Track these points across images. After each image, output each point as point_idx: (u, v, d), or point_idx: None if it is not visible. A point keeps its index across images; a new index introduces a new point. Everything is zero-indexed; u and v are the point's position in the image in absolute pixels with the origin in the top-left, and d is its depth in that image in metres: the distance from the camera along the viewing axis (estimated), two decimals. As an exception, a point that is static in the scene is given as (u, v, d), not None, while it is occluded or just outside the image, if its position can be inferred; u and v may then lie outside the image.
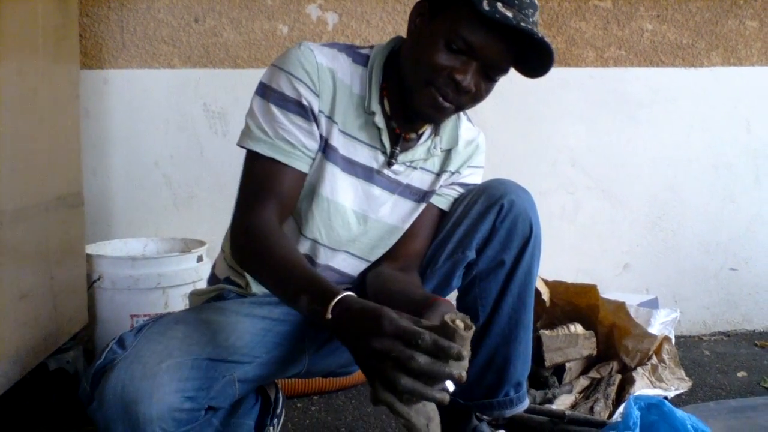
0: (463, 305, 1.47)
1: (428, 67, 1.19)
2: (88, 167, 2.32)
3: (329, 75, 1.25)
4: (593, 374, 2.09)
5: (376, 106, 1.29)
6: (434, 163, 1.40)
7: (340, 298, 1.01)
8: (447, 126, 1.39)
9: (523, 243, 1.39)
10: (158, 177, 2.44)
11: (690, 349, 2.59)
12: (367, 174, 1.33)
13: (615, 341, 2.14)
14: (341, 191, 1.31)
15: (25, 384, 1.74)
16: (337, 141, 1.28)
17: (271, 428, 1.49)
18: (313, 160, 1.28)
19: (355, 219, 1.35)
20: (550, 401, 1.96)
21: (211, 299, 1.42)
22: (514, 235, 1.38)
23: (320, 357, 1.41)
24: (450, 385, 0.99)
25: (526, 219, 1.38)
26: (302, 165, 1.25)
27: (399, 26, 2.50)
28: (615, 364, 2.11)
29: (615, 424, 1.47)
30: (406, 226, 1.41)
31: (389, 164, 1.34)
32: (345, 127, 1.29)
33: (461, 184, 1.45)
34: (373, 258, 1.43)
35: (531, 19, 1.16)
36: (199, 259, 2.18)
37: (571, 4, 2.60)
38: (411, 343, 0.91)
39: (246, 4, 2.42)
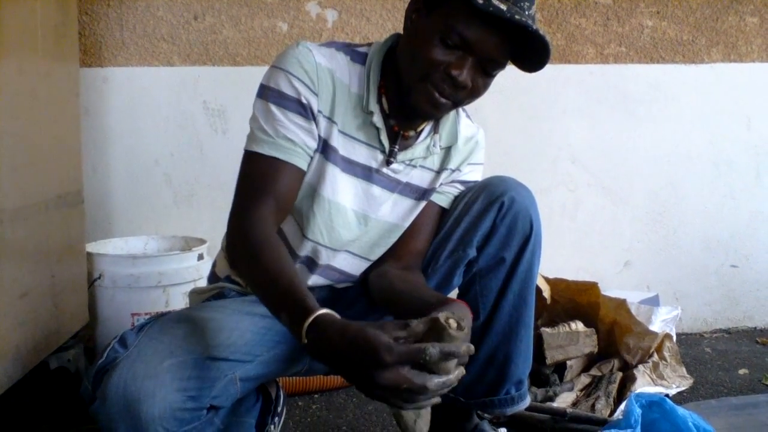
0: (463, 303, 1.47)
1: (424, 62, 1.19)
2: (88, 165, 2.32)
3: (328, 75, 1.25)
4: (594, 372, 2.09)
5: (374, 106, 1.28)
6: (434, 161, 1.40)
7: (311, 322, 0.97)
8: (446, 123, 1.39)
9: (523, 240, 1.38)
10: (158, 175, 2.44)
11: (691, 347, 2.59)
12: (366, 173, 1.33)
13: (616, 339, 2.14)
14: (342, 191, 1.31)
15: (26, 383, 1.74)
16: (337, 141, 1.28)
17: (272, 427, 1.49)
18: (312, 158, 1.28)
19: (356, 219, 1.35)
20: (552, 399, 1.96)
21: (211, 297, 1.41)
22: (514, 233, 1.38)
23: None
24: None
25: (526, 216, 1.38)
26: (302, 162, 1.25)
27: (398, 23, 2.49)
28: (616, 362, 2.11)
29: (616, 422, 1.47)
30: (407, 224, 1.41)
31: (388, 163, 1.33)
32: (344, 128, 1.29)
33: (461, 182, 1.45)
34: (374, 257, 1.42)
35: (527, 12, 1.15)
36: (200, 257, 2.18)
37: (571, 0, 2.60)
38: (417, 363, 0.91)
39: (245, 2, 2.42)
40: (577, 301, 2.23)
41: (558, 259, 2.56)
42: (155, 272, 2.08)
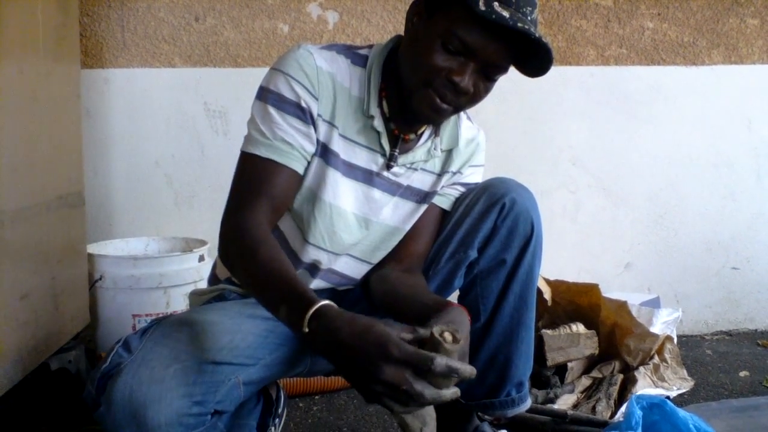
0: (464, 304, 1.47)
1: (425, 68, 1.18)
2: (89, 167, 2.32)
3: (329, 79, 1.25)
4: (595, 374, 2.09)
5: (374, 110, 1.28)
6: (435, 164, 1.40)
7: (315, 311, 0.97)
8: (447, 126, 1.39)
9: (524, 242, 1.38)
10: (159, 176, 2.44)
11: (692, 349, 2.59)
12: (366, 177, 1.33)
13: (617, 341, 2.14)
14: (343, 195, 1.31)
15: (26, 384, 1.74)
16: (338, 145, 1.28)
17: (273, 428, 1.49)
18: (309, 162, 1.27)
19: (357, 222, 1.35)
20: (552, 401, 1.96)
21: (212, 299, 1.41)
22: (515, 234, 1.38)
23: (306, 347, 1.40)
24: None
25: (527, 218, 1.38)
26: (298, 166, 1.24)
27: (399, 25, 2.49)
28: (617, 364, 2.10)
29: (617, 424, 1.47)
30: (408, 227, 1.41)
31: (389, 167, 1.33)
32: (345, 131, 1.28)
33: (463, 184, 1.45)
34: (375, 260, 1.42)
35: (529, 18, 1.15)
36: (201, 258, 2.18)
37: (572, 2, 2.60)
38: (421, 370, 0.91)
39: (246, 3, 2.42)
40: (577, 303, 2.23)
41: (559, 261, 2.56)
42: (156, 273, 2.08)
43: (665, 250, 2.76)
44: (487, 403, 1.48)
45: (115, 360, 1.09)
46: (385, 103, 1.29)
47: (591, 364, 2.14)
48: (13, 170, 1.57)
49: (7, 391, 1.55)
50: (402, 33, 1.30)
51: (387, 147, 1.31)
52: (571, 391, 2.02)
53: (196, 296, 1.47)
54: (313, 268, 1.37)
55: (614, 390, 1.98)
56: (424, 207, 1.41)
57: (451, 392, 0.94)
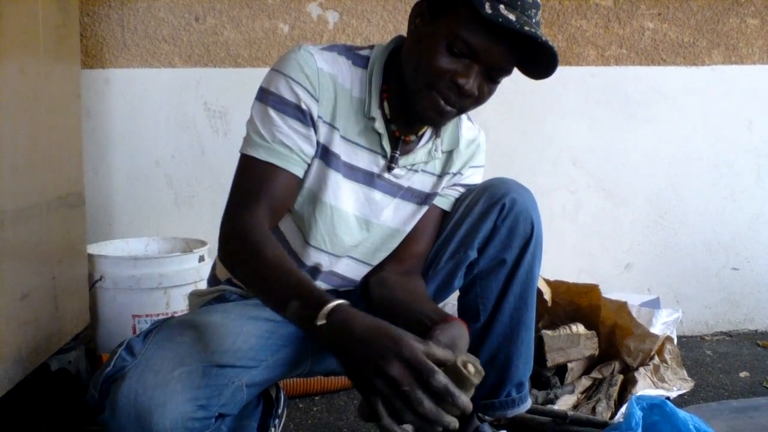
0: (464, 304, 1.47)
1: (430, 70, 1.17)
2: (90, 167, 2.32)
3: (330, 81, 1.24)
4: (595, 374, 2.09)
5: (376, 111, 1.27)
6: (435, 165, 1.40)
7: (335, 306, 0.98)
8: (447, 127, 1.38)
9: (524, 242, 1.38)
10: (159, 176, 2.44)
11: (692, 349, 2.59)
12: (367, 179, 1.32)
13: (617, 341, 2.14)
14: (343, 197, 1.30)
15: (26, 384, 1.74)
16: (339, 147, 1.27)
17: (273, 429, 1.49)
18: (309, 165, 1.27)
19: (358, 224, 1.34)
20: (552, 401, 1.96)
21: (212, 300, 1.41)
22: (515, 234, 1.38)
23: (323, 357, 1.40)
24: None
25: (527, 218, 1.38)
26: (298, 169, 1.24)
27: (400, 25, 2.49)
28: (617, 365, 2.10)
29: (617, 425, 1.46)
30: (408, 228, 1.40)
31: (390, 168, 1.33)
32: (346, 133, 1.28)
33: (463, 185, 1.45)
34: (376, 261, 1.42)
35: (534, 20, 1.15)
36: (201, 258, 2.18)
37: (572, 2, 2.60)
38: (422, 379, 0.89)
39: (246, 3, 2.42)
40: (577, 304, 2.22)
41: (559, 261, 2.56)
42: (156, 274, 2.08)
43: (665, 251, 2.76)
44: (487, 403, 1.47)
45: (118, 363, 1.09)
46: (386, 105, 1.29)
47: (591, 364, 2.14)
48: (14, 170, 1.57)
49: (7, 391, 1.55)
50: (402, 33, 1.30)
51: (388, 148, 1.31)
52: (571, 392, 2.02)
53: (196, 297, 1.47)
54: (315, 271, 1.36)
55: (614, 391, 1.98)
56: (425, 208, 1.41)
57: (450, 419, 0.91)
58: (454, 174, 1.42)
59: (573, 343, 2.07)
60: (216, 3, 2.41)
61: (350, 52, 1.29)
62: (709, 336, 2.78)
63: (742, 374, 2.31)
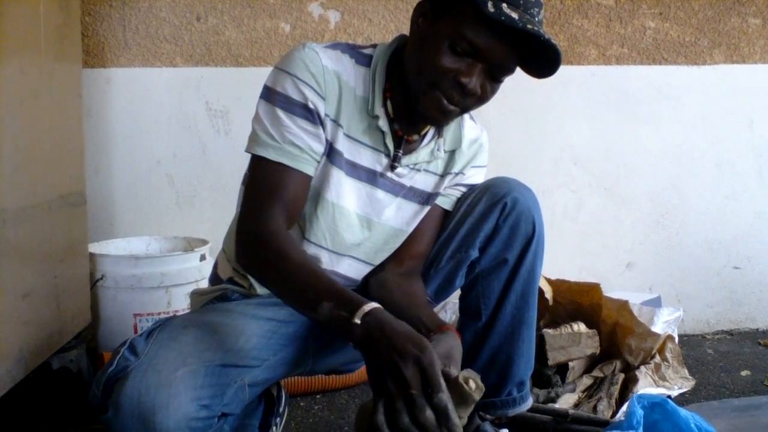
0: (465, 303, 1.47)
1: (432, 70, 1.17)
2: (91, 166, 2.32)
3: (335, 78, 1.24)
4: (596, 373, 2.09)
5: (379, 110, 1.27)
6: (438, 165, 1.40)
7: (374, 308, 1.02)
8: (450, 127, 1.38)
9: (526, 241, 1.38)
10: (161, 176, 2.44)
11: (693, 348, 2.59)
12: (370, 177, 1.32)
13: (618, 340, 2.14)
14: (346, 195, 1.30)
15: (28, 383, 1.74)
16: (342, 145, 1.27)
17: (274, 428, 1.49)
18: (319, 163, 1.27)
19: (359, 222, 1.34)
20: (553, 400, 1.96)
21: (214, 299, 1.41)
22: (517, 233, 1.38)
23: (324, 356, 1.41)
24: None
25: (529, 217, 1.38)
26: (309, 168, 1.24)
27: (401, 24, 2.49)
28: (618, 363, 2.10)
29: (618, 423, 1.47)
30: (411, 228, 1.40)
31: (392, 167, 1.33)
32: (349, 131, 1.28)
33: (465, 185, 1.45)
34: (378, 261, 1.42)
35: (537, 18, 1.14)
36: (202, 257, 2.18)
37: (573, 1, 2.60)
38: (427, 390, 0.93)
39: (248, 3, 2.42)
40: (579, 303, 2.22)
41: (560, 261, 2.56)
42: (157, 273, 2.09)
43: (667, 250, 2.76)
44: (488, 402, 1.48)
45: (121, 363, 1.09)
46: (389, 104, 1.29)
47: (592, 363, 2.14)
48: (15, 169, 1.57)
49: (9, 390, 1.55)
50: (404, 32, 1.30)
51: (391, 147, 1.31)
52: (573, 391, 2.01)
53: (197, 296, 1.47)
54: None
55: (615, 389, 1.98)
56: (427, 208, 1.41)
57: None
58: (457, 174, 1.42)
59: (574, 341, 2.07)
60: (217, 2, 2.41)
61: (353, 51, 1.29)
62: (710, 335, 2.78)
63: (744, 373, 2.31)
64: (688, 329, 2.77)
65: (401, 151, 1.32)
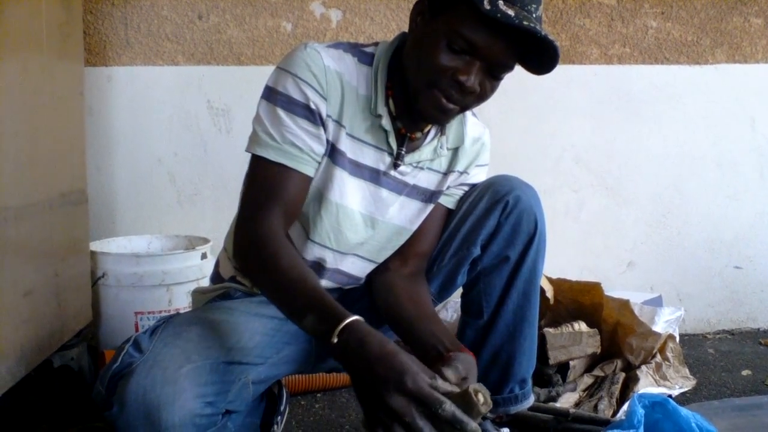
0: (467, 301, 1.47)
1: (431, 69, 1.17)
2: (92, 164, 2.33)
3: (337, 78, 1.23)
4: (597, 372, 2.09)
5: (382, 109, 1.27)
6: (441, 163, 1.39)
7: (348, 323, 1.00)
8: (453, 124, 1.38)
9: (528, 239, 1.38)
10: (162, 174, 2.44)
11: (694, 348, 2.59)
12: (374, 176, 1.32)
13: (619, 339, 2.14)
14: (349, 195, 1.30)
15: (29, 381, 1.74)
16: (345, 145, 1.27)
17: (275, 426, 1.49)
18: (319, 164, 1.26)
19: (363, 222, 1.34)
20: (554, 399, 1.96)
21: (216, 298, 1.41)
22: (519, 231, 1.38)
23: (326, 354, 1.40)
24: None
25: (531, 215, 1.38)
26: (309, 169, 1.23)
27: (403, 23, 2.49)
28: (619, 363, 2.10)
29: (619, 422, 1.46)
30: (414, 227, 1.40)
31: (395, 166, 1.32)
32: (352, 131, 1.27)
33: (469, 184, 1.45)
34: (381, 259, 1.42)
35: (534, 15, 1.13)
36: (203, 256, 2.19)
37: (575, 1, 2.60)
38: (430, 410, 0.92)
39: (249, 1, 2.42)
40: (580, 302, 2.22)
41: (561, 260, 2.56)
42: (159, 271, 2.09)
43: (668, 249, 2.75)
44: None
45: (126, 360, 1.09)
46: (391, 102, 1.28)
47: (593, 362, 2.14)
48: (16, 167, 1.58)
49: (10, 387, 1.55)
50: (406, 31, 1.30)
51: (394, 146, 1.30)
52: (573, 390, 2.01)
53: (199, 294, 1.47)
54: (319, 267, 1.36)
55: (616, 388, 1.98)
56: (431, 206, 1.41)
57: None
58: (461, 173, 1.41)
59: (575, 341, 2.07)
60: (219, 1, 2.41)
61: (355, 50, 1.29)
62: (711, 334, 2.78)
63: (744, 372, 2.31)
64: (689, 329, 2.76)
65: (404, 149, 1.32)
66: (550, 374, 2.05)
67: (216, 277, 1.47)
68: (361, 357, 0.97)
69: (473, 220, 1.39)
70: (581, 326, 2.10)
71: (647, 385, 2.00)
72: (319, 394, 2.09)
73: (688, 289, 2.77)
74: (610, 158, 2.69)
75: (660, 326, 2.17)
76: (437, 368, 1.04)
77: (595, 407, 1.89)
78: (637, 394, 1.51)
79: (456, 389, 0.99)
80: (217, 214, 2.44)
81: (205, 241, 2.26)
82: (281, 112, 1.20)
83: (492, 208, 1.37)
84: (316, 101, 1.21)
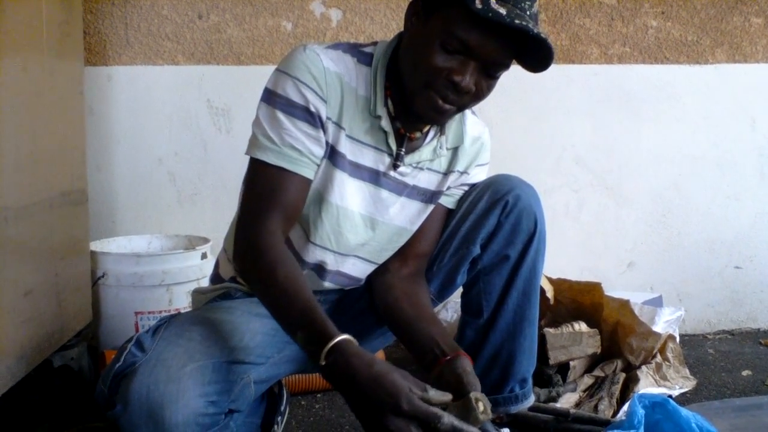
0: (467, 300, 1.47)
1: (425, 69, 1.16)
2: (92, 164, 2.32)
3: (337, 80, 1.23)
4: (597, 373, 2.09)
5: (381, 110, 1.27)
6: (441, 163, 1.39)
7: (334, 345, 1.01)
8: (452, 123, 1.38)
9: (527, 238, 1.38)
10: (162, 174, 2.44)
11: (694, 348, 2.58)
12: (373, 177, 1.32)
13: (619, 339, 2.14)
14: (349, 196, 1.30)
15: (29, 380, 1.74)
16: (345, 147, 1.27)
17: (276, 426, 1.49)
18: (318, 166, 1.26)
19: (363, 223, 1.34)
20: (555, 400, 1.95)
21: (216, 298, 1.41)
22: (518, 231, 1.38)
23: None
24: None
25: (530, 214, 1.38)
26: (308, 172, 1.23)
27: (402, 22, 2.49)
28: (619, 363, 2.10)
29: (619, 423, 1.46)
30: (415, 227, 1.40)
31: (395, 166, 1.32)
32: (352, 132, 1.27)
33: (469, 184, 1.44)
34: (381, 260, 1.42)
35: (528, 12, 1.12)
36: (203, 256, 2.19)
37: (575, 0, 2.60)
38: (429, 426, 0.94)
39: (249, 1, 2.42)
40: (580, 302, 2.22)
41: (561, 260, 2.56)
42: (159, 271, 2.09)
43: (668, 249, 2.75)
44: (490, 399, 1.47)
45: (128, 359, 1.09)
46: (390, 102, 1.28)
47: (593, 362, 2.14)
48: (17, 167, 1.58)
49: (9, 387, 1.55)
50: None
51: (394, 146, 1.30)
52: (574, 390, 2.01)
53: (199, 294, 1.47)
54: (320, 269, 1.36)
55: (616, 389, 1.98)
56: (431, 207, 1.41)
57: None
58: (461, 173, 1.41)
59: (575, 341, 2.07)
60: (219, 1, 2.41)
61: (355, 50, 1.29)
62: (711, 334, 2.77)
63: (745, 373, 2.31)
64: (690, 329, 2.76)
65: (403, 150, 1.31)
66: (550, 374, 2.05)
67: (216, 277, 1.47)
68: (350, 381, 0.99)
69: (473, 219, 1.39)
70: (581, 326, 2.10)
71: (647, 386, 2.00)
72: (319, 394, 2.09)
73: (688, 289, 2.77)
74: (610, 158, 2.68)
75: (660, 326, 2.16)
76: (431, 376, 1.07)
77: (596, 407, 1.89)
78: (637, 394, 1.51)
79: (448, 396, 1.00)
80: (217, 213, 2.43)
81: (205, 240, 2.26)
82: (281, 115, 1.20)
83: (492, 207, 1.37)
84: (315, 104, 1.21)
